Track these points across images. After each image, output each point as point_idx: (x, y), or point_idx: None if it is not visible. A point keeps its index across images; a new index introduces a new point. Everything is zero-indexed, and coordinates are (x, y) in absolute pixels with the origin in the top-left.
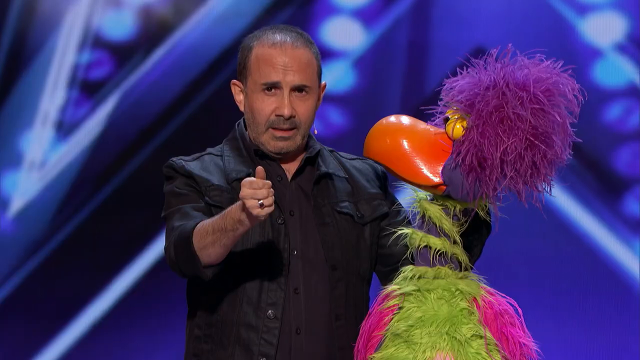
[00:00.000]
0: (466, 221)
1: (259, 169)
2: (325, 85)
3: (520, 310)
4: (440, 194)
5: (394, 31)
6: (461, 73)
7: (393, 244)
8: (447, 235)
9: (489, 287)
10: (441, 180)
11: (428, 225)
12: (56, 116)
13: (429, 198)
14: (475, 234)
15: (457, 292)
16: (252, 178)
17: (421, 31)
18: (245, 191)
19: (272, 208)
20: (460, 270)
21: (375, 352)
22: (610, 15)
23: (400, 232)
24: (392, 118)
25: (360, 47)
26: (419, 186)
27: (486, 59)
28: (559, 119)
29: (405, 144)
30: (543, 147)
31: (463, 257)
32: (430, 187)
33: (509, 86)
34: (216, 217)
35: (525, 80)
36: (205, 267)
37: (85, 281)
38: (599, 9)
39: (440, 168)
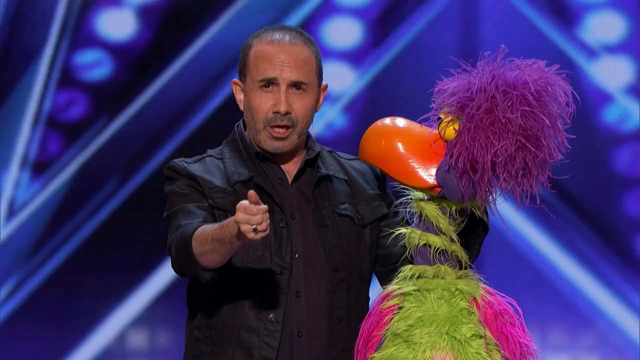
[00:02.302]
0: (462, 221)
1: (251, 192)
2: (326, 87)
3: (520, 310)
4: (436, 195)
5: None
6: (453, 75)
7: (392, 244)
8: (444, 234)
9: (488, 287)
10: (436, 182)
11: (425, 224)
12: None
13: (425, 197)
14: (472, 233)
15: (457, 292)
16: (247, 203)
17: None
18: (239, 216)
19: (266, 233)
20: (460, 269)
21: (375, 352)
22: (609, 17)
23: (398, 231)
24: (387, 120)
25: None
26: (415, 188)
27: (478, 60)
28: (547, 122)
29: (399, 146)
30: (533, 148)
31: (462, 255)
32: (426, 189)
33: (499, 88)
34: (216, 225)
35: (515, 82)
36: (204, 269)
37: (108, 285)
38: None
39: (435, 170)
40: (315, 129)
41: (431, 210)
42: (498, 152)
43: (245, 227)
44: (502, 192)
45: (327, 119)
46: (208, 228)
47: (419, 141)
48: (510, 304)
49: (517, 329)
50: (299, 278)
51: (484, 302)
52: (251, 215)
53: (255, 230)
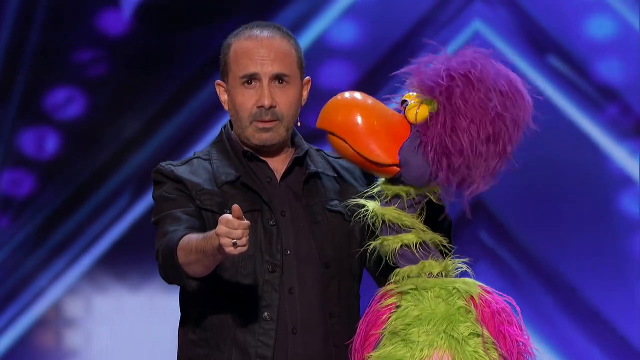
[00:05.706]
0: (423, 208)
1: (235, 207)
2: (309, 81)
3: (518, 309)
4: (391, 175)
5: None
6: (429, 60)
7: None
8: (413, 229)
9: (486, 286)
10: (396, 161)
11: (394, 229)
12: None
13: (380, 204)
14: (437, 223)
15: (455, 291)
16: (230, 217)
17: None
18: (221, 229)
19: (245, 248)
20: (444, 258)
21: (372, 351)
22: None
23: (371, 245)
24: (347, 94)
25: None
26: (370, 163)
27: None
28: (520, 115)
29: (359, 119)
30: (509, 134)
31: (440, 239)
32: (382, 167)
33: (477, 76)
34: (200, 237)
35: (491, 73)
36: (190, 278)
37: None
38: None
39: (395, 149)
40: (299, 122)
41: (391, 213)
42: (472, 136)
43: (224, 241)
44: (466, 180)
45: None
46: (193, 239)
47: (379, 118)
48: (508, 302)
49: (515, 328)
50: (292, 275)
51: (482, 300)
52: (232, 229)
53: (234, 244)
